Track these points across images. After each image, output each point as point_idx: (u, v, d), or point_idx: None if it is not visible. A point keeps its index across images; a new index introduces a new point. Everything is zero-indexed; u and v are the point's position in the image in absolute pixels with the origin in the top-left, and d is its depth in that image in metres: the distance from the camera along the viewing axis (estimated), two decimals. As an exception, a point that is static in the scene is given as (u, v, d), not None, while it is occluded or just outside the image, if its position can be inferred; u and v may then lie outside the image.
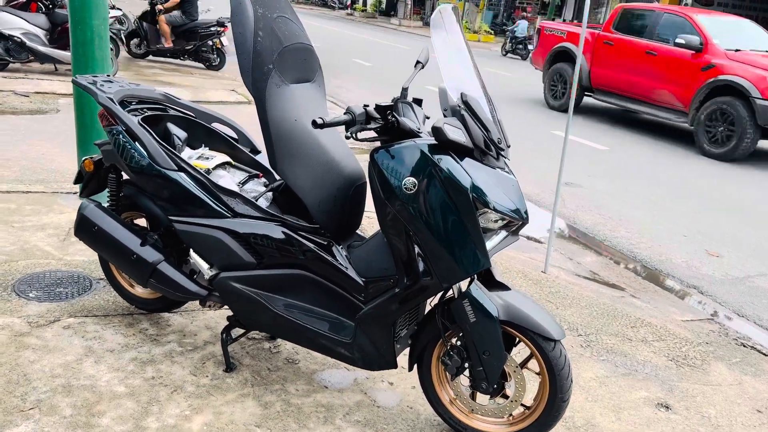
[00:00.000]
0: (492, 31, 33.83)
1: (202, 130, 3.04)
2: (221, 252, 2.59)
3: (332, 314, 2.55)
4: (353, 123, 2.22)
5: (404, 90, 2.42)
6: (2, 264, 3.47)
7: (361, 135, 2.30)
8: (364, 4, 47.57)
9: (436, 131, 2.13)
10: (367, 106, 2.28)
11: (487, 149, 2.25)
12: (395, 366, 2.57)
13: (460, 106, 2.23)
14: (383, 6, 44.32)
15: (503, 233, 2.35)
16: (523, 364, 2.47)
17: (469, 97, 2.24)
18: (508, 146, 2.37)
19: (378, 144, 2.34)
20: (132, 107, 2.89)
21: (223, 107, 8.96)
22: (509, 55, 23.35)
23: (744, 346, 3.78)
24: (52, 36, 8.92)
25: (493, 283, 2.48)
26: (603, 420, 2.83)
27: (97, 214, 2.80)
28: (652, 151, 9.36)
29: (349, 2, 46.66)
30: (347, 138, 2.19)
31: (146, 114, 2.89)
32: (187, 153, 2.90)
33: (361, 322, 2.43)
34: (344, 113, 2.23)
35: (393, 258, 2.36)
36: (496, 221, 2.31)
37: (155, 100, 3.02)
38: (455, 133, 2.16)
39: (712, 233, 6.04)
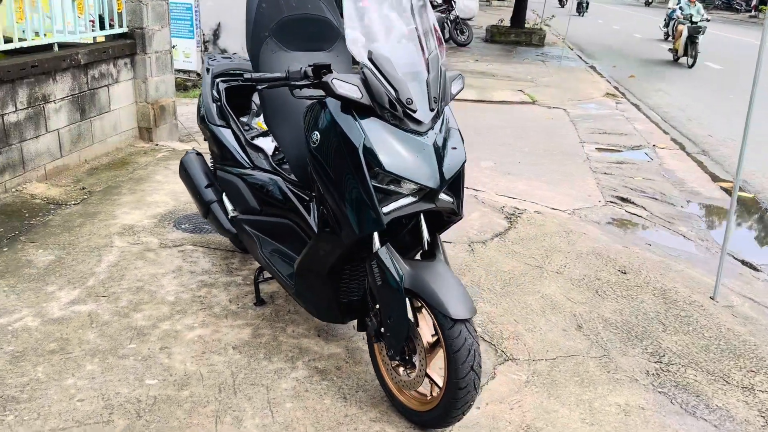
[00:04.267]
0: None
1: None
2: (238, 196, 3.03)
3: None
4: (287, 80, 2.40)
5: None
6: (179, 209, 4.48)
7: (308, 92, 2.44)
8: (774, 3, 41.27)
9: (324, 85, 2.20)
10: (311, 65, 2.43)
11: (392, 109, 2.20)
12: (340, 321, 2.68)
13: (365, 64, 2.23)
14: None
15: (410, 199, 2.26)
16: (436, 344, 2.31)
17: (378, 55, 2.22)
18: (432, 110, 2.26)
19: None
20: (230, 79, 3.50)
21: (501, 106, 9.24)
22: None
23: None
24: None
25: (427, 253, 2.39)
26: (576, 444, 2.41)
27: (188, 162, 3.51)
28: None
29: (754, 3, 41.09)
30: (258, 91, 2.39)
31: (239, 84, 3.48)
32: (261, 117, 3.40)
33: (297, 269, 2.60)
34: (284, 72, 2.42)
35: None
36: (413, 187, 2.25)
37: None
38: (344, 88, 2.18)
39: None
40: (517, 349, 3.00)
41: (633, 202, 5.62)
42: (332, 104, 2.29)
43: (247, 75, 2.41)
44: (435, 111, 2.27)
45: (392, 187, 2.24)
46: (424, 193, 2.25)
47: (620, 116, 9.21)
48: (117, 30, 5.60)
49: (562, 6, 30.73)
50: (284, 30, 2.79)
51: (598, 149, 7.31)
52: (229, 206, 3.13)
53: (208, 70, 3.44)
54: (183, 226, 4.12)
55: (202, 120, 3.26)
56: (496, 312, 3.32)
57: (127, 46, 5.61)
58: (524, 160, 6.61)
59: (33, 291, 3.22)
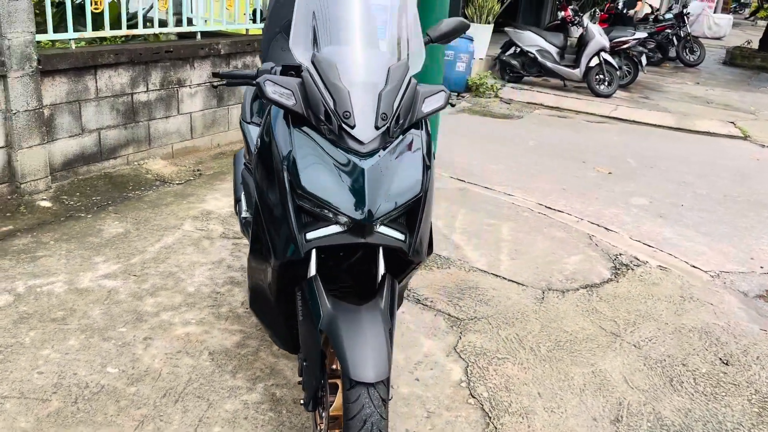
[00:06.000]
0: None
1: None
2: (249, 197, 2.88)
3: None
4: (253, 79, 2.20)
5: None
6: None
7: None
8: None
9: (258, 86, 1.94)
10: (282, 65, 2.20)
11: (328, 122, 1.88)
12: (292, 351, 2.40)
13: (306, 67, 1.93)
14: None
15: (337, 228, 1.90)
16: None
17: (322, 58, 1.91)
18: (378, 128, 1.88)
19: None
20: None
21: (699, 138, 8.02)
22: None
23: None
24: (562, 54, 9.66)
25: (373, 294, 2.02)
26: None
27: (237, 157, 3.43)
28: None
29: None
30: (214, 87, 2.19)
31: None
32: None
33: (249, 284, 2.37)
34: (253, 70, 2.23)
35: None
36: (343, 216, 1.91)
37: None
38: (276, 92, 1.91)
39: None
40: (515, 431, 2.46)
41: (810, 276, 4.43)
42: (275, 110, 2.04)
43: (215, 71, 2.25)
44: (384, 129, 1.90)
45: (325, 212, 1.92)
46: (353, 224, 1.89)
47: None
48: (269, 24, 5.82)
49: None
50: (297, 26, 2.57)
51: (800, 203, 5.94)
52: (244, 206, 3.01)
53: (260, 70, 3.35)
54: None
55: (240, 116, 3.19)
56: (521, 378, 2.78)
57: (276, 39, 5.79)
58: (691, 204, 5.59)
59: (82, 258, 3.42)
